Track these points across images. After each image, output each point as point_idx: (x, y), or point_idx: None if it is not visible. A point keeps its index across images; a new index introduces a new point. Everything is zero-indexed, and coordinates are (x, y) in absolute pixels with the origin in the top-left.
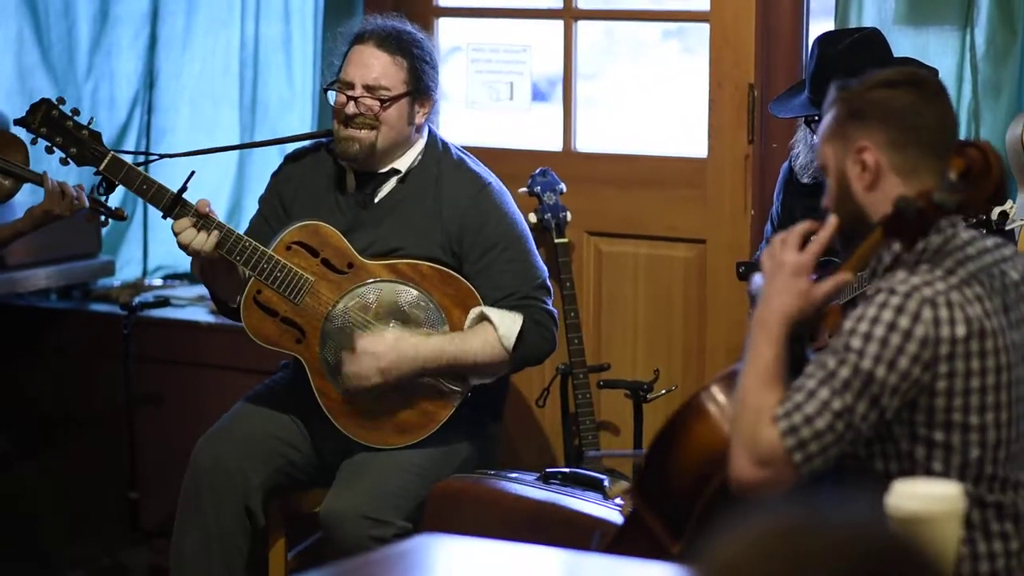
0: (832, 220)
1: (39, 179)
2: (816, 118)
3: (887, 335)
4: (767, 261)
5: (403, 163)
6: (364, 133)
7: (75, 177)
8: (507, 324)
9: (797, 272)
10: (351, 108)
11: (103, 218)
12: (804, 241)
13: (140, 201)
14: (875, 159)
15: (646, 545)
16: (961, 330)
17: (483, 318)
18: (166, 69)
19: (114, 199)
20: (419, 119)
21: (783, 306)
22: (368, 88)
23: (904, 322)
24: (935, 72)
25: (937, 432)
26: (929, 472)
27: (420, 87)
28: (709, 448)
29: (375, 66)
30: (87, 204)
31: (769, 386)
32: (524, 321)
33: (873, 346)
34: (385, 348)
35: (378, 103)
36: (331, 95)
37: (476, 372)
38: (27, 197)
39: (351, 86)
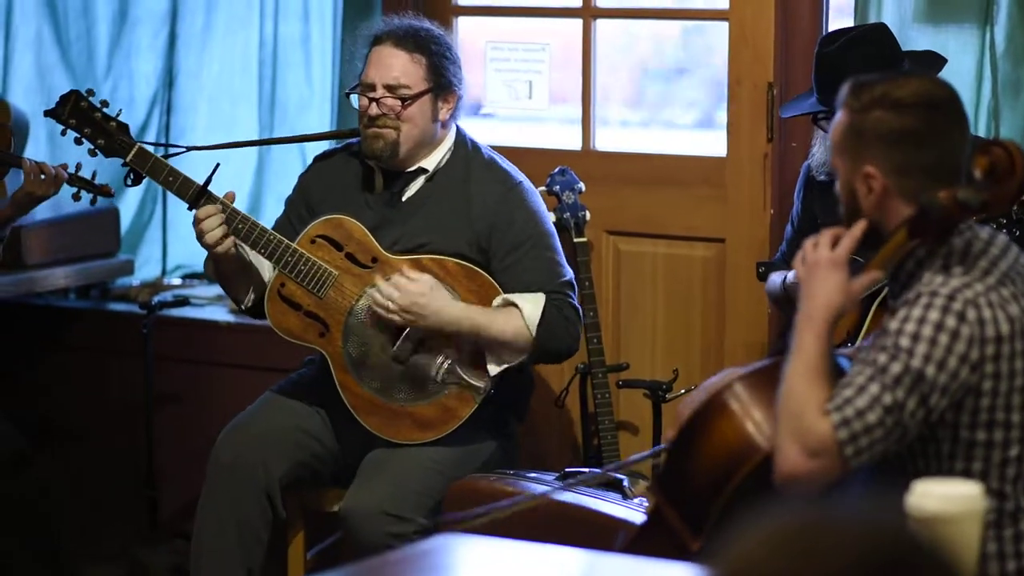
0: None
1: (17, 161)
2: (821, 115)
3: (935, 335)
4: (800, 266)
5: (430, 162)
6: (388, 130)
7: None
8: (531, 306)
9: (834, 266)
10: (374, 109)
11: (91, 196)
12: (835, 242)
13: (158, 201)
14: (882, 184)
15: (667, 542)
16: (1005, 329)
17: (508, 303)
18: (185, 68)
19: (134, 196)
20: (443, 115)
21: (826, 301)
22: (389, 88)
23: (951, 322)
24: (944, 61)
25: (980, 431)
26: (968, 472)
27: (441, 83)
28: (730, 446)
29: (394, 65)
30: (65, 178)
31: (817, 380)
32: (547, 304)
33: (922, 346)
34: (417, 287)
35: (400, 102)
36: (354, 99)
37: (499, 349)
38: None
39: (372, 88)
